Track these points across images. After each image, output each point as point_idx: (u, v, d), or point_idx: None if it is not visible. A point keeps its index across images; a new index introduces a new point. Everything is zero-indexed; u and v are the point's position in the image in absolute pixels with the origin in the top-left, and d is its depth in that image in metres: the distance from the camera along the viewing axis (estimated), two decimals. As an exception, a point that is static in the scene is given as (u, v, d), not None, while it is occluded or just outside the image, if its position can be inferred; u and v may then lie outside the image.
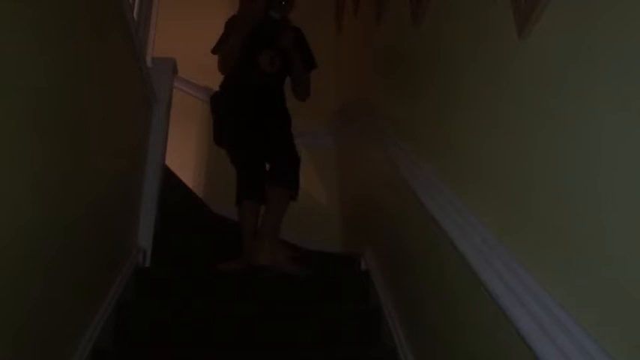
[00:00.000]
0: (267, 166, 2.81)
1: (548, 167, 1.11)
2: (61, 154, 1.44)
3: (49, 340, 1.48)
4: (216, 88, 2.87)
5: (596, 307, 0.94)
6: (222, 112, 2.78)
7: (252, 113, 2.72)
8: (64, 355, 1.61)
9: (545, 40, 1.16)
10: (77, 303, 1.72)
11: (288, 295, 2.38)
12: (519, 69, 1.27)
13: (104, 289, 2.03)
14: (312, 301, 2.42)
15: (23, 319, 1.28)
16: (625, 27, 0.91)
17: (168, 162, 3.14)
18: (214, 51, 2.77)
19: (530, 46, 1.22)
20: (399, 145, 2.22)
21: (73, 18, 1.45)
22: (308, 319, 2.24)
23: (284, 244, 2.76)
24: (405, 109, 2.29)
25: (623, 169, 0.89)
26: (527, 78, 1.23)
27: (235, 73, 2.73)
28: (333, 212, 3.61)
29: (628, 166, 0.88)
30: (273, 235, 2.61)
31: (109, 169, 2.00)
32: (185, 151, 3.80)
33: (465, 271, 1.38)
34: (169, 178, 3.21)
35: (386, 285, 2.31)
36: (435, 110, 1.89)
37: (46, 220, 1.37)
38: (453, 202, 1.57)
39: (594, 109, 0.98)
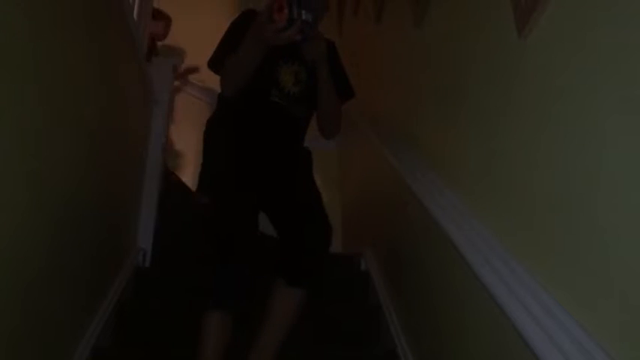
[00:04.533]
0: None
1: (549, 168, 1.11)
2: (60, 153, 1.44)
3: (49, 340, 1.48)
4: (218, 89, 2.01)
5: (597, 308, 0.94)
6: (219, 145, 1.82)
7: (264, 152, 1.79)
8: (64, 354, 1.61)
9: (546, 40, 1.16)
10: (77, 303, 1.72)
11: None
12: (519, 69, 1.27)
13: (104, 289, 2.03)
14: (311, 301, 2.42)
15: (23, 319, 1.28)
16: (625, 26, 0.91)
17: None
18: (213, 65, 1.82)
19: (530, 46, 1.22)
20: (399, 147, 2.22)
21: (72, 18, 1.45)
22: (308, 319, 2.24)
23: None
24: (404, 110, 2.29)
25: (624, 168, 0.89)
26: (528, 78, 1.23)
27: (242, 94, 1.75)
28: (333, 213, 3.61)
29: (629, 165, 0.88)
30: (276, 353, 1.71)
31: (109, 169, 2.00)
32: (185, 151, 3.80)
33: (465, 271, 1.38)
34: (169, 178, 3.21)
35: (385, 285, 2.31)
36: (435, 111, 1.89)
37: (46, 220, 1.37)
38: (454, 202, 1.57)
39: (595, 109, 0.98)
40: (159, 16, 3.45)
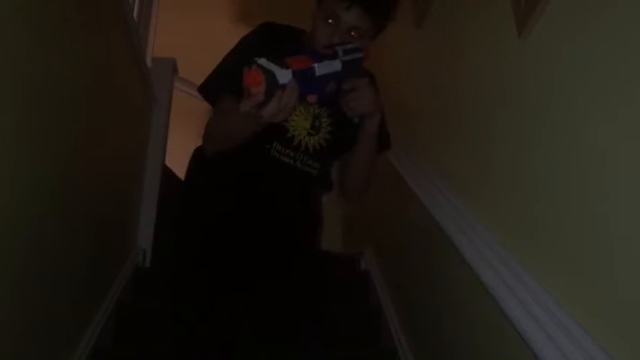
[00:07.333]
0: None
1: (549, 169, 1.11)
2: (60, 154, 1.44)
3: (49, 340, 1.48)
4: None
5: (597, 308, 0.94)
6: (203, 203, 1.41)
7: (266, 221, 1.36)
8: (64, 354, 1.61)
9: (546, 40, 1.16)
10: (77, 303, 1.72)
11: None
12: (519, 69, 1.27)
13: (104, 289, 2.03)
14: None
15: (24, 318, 1.28)
16: (625, 26, 0.91)
17: (168, 162, 3.14)
18: (204, 93, 1.33)
19: (530, 46, 1.22)
20: (398, 145, 2.21)
21: (72, 18, 1.45)
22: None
23: None
24: (404, 110, 2.29)
25: (624, 169, 0.89)
26: (527, 78, 1.23)
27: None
28: (333, 212, 3.61)
29: (629, 166, 0.87)
30: None
31: (109, 169, 2.00)
32: (185, 151, 3.79)
33: (466, 271, 1.38)
34: (169, 178, 3.21)
35: (386, 285, 2.31)
36: (434, 111, 1.89)
37: (46, 220, 1.37)
38: (454, 202, 1.57)
39: (596, 109, 0.98)
40: None
